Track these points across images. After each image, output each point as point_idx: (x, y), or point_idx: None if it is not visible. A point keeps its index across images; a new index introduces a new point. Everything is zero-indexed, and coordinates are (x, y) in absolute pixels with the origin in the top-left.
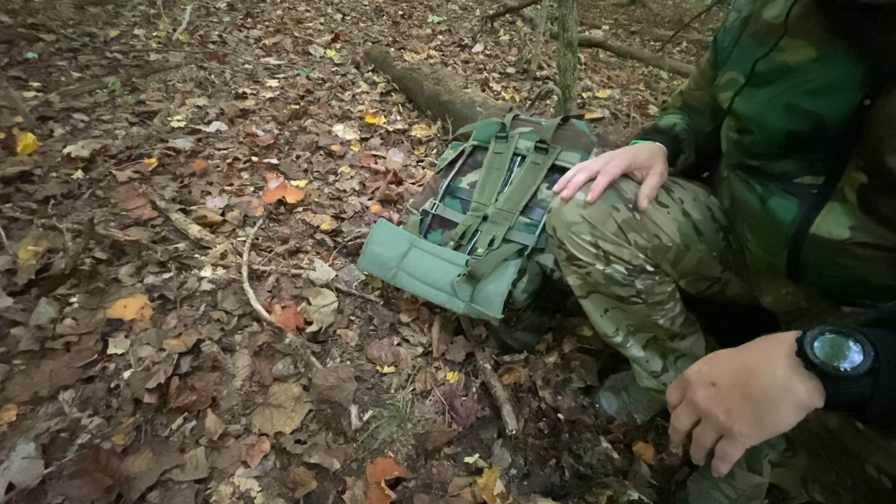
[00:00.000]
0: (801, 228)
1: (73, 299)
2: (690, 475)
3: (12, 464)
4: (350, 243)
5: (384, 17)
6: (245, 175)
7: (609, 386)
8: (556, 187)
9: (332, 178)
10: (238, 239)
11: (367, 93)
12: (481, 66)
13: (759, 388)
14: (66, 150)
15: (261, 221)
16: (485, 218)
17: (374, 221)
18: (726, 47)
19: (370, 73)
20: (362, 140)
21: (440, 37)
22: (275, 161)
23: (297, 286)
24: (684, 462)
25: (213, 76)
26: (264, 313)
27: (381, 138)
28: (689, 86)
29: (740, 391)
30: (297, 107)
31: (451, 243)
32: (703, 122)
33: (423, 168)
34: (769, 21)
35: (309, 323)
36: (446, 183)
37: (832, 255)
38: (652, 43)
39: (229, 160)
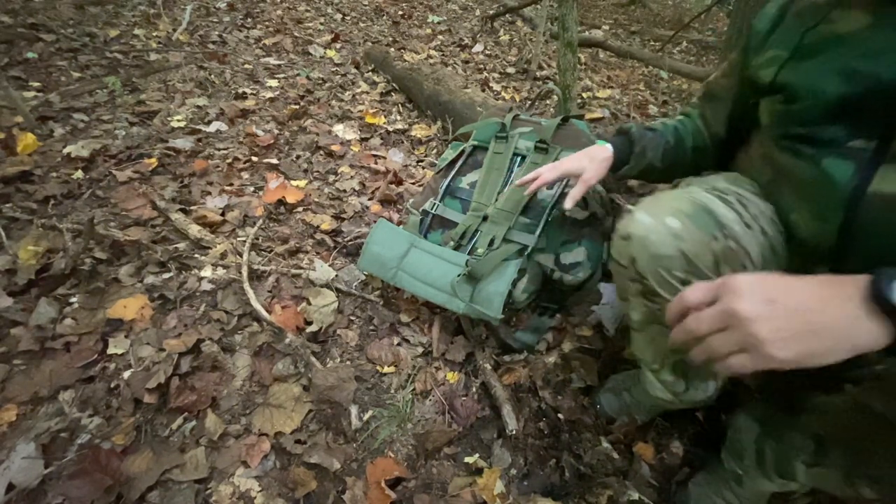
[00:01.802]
0: (859, 187)
1: (73, 299)
2: (691, 476)
3: (12, 464)
4: (350, 243)
5: (384, 17)
6: (245, 175)
7: (610, 387)
8: (518, 182)
9: (332, 178)
10: (238, 239)
11: (367, 93)
12: (481, 66)
13: (829, 318)
14: (66, 150)
15: (261, 221)
16: (485, 218)
17: (374, 221)
18: (761, 30)
19: (370, 73)
20: (362, 140)
21: (440, 37)
22: (275, 161)
23: (297, 286)
24: (684, 462)
25: (213, 76)
26: (264, 313)
27: (381, 138)
28: (717, 75)
29: (804, 317)
30: (297, 107)
31: (451, 243)
32: (719, 110)
33: (423, 168)
34: (816, 1)
35: (309, 323)
36: (446, 183)
37: (890, 216)
38: (652, 43)
39: (229, 160)
